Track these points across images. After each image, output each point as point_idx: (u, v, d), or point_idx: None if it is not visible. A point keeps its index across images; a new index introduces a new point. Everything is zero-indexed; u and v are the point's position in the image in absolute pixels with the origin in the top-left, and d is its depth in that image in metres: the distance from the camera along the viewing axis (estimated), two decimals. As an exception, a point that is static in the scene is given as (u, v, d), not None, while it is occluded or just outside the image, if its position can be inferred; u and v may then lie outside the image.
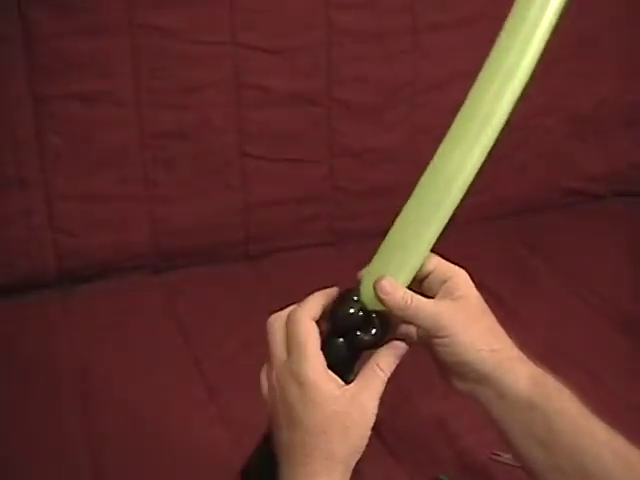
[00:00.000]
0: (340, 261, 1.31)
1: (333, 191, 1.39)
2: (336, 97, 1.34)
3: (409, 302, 0.60)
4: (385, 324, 0.62)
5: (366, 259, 0.64)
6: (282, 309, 0.63)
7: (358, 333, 0.62)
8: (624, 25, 1.49)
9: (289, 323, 0.61)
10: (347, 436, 0.58)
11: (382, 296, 0.60)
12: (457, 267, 0.64)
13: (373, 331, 0.62)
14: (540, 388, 0.61)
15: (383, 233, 0.64)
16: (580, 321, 1.17)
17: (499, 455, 0.85)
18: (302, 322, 0.60)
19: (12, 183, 1.21)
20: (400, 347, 0.62)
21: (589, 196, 1.57)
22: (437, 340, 0.60)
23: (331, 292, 0.64)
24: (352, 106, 1.36)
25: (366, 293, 0.62)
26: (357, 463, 0.85)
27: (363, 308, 0.62)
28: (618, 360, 1.07)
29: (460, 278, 0.63)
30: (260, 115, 1.31)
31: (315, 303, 0.62)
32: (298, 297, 0.63)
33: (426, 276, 0.64)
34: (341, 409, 0.58)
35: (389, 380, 0.61)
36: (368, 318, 0.62)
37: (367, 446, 0.87)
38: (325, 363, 0.59)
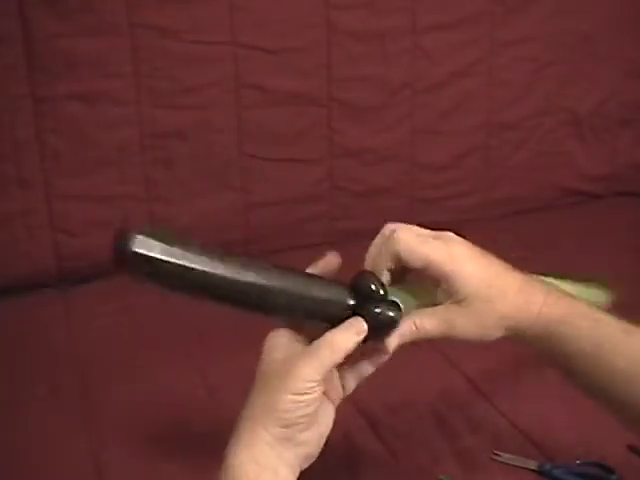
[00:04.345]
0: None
1: (333, 191, 1.39)
2: (336, 97, 1.34)
3: (415, 330, 0.63)
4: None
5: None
6: None
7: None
8: (624, 25, 1.49)
9: None
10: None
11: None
12: (439, 258, 0.65)
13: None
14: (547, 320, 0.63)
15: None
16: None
17: (499, 455, 0.85)
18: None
19: (12, 183, 1.21)
20: None
21: (589, 196, 1.57)
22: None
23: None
24: (352, 106, 1.36)
25: None
26: (357, 463, 0.85)
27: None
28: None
29: (454, 276, 0.65)
30: (260, 115, 1.31)
31: None
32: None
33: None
34: None
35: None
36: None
37: (367, 446, 0.87)
38: None
